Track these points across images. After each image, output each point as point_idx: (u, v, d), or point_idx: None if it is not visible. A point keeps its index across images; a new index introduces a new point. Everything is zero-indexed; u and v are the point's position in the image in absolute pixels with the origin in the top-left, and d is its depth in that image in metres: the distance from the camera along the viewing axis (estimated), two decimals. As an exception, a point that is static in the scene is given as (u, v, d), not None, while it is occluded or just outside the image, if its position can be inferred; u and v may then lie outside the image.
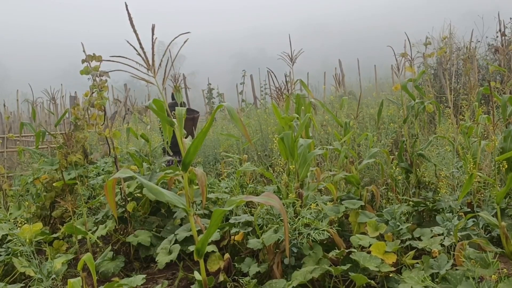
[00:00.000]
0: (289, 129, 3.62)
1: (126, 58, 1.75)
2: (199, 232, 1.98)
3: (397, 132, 6.62)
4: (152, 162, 5.19)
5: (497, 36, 7.58)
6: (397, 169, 4.70)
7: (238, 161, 5.77)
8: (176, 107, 4.31)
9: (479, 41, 9.80)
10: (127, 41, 1.67)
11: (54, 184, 5.18)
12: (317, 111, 7.53)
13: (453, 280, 2.62)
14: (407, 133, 5.14)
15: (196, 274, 2.74)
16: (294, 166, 3.50)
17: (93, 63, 5.06)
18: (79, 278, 2.35)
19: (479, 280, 2.54)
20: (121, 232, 4.53)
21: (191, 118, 7.44)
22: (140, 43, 1.71)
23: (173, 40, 1.86)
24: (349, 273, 2.94)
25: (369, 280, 2.87)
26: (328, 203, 3.72)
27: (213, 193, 4.84)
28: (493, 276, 2.26)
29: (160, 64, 1.77)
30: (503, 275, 2.49)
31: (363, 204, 4.11)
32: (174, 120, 1.86)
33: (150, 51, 1.94)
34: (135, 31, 1.70)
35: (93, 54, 4.76)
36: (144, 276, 3.11)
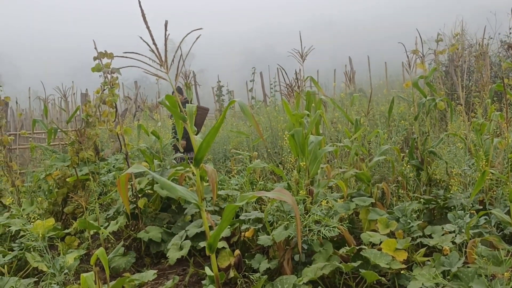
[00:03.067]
0: (300, 126, 3.62)
1: (139, 54, 1.76)
2: (211, 227, 2.00)
3: (408, 130, 6.59)
4: (162, 159, 5.22)
5: (510, 33, 7.50)
6: (408, 166, 4.68)
7: (248, 158, 5.79)
8: (187, 104, 4.34)
9: (491, 38, 9.70)
10: (141, 37, 1.69)
11: (67, 180, 5.23)
12: (327, 108, 7.52)
13: (465, 278, 2.60)
14: (418, 131, 5.11)
15: (207, 270, 2.76)
16: (304, 163, 3.50)
17: (105, 60, 5.11)
18: (92, 272, 2.38)
19: (491, 278, 2.52)
20: (132, 228, 4.57)
21: (200, 114, 7.48)
22: (153, 39, 1.72)
23: (185, 36, 1.87)
24: (360, 270, 2.94)
25: (379, 277, 2.86)
26: (338, 200, 3.71)
27: (223, 190, 4.86)
28: (505, 273, 2.24)
29: (173, 60, 1.78)
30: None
31: (373, 201, 4.10)
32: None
33: (162, 48, 1.96)
34: (147, 27, 1.71)
35: (105, 51, 4.80)
36: (155, 271, 3.13)
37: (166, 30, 1.74)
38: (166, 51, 1.77)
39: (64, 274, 3.47)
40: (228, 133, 7.75)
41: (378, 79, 14.57)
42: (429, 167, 4.81)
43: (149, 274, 3.06)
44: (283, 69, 3.64)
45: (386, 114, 6.09)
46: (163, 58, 1.77)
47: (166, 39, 1.76)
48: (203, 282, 3.06)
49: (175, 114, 1.82)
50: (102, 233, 3.34)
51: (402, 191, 4.56)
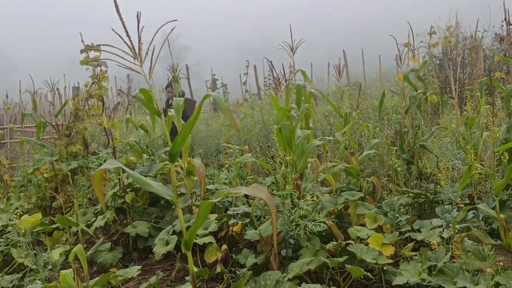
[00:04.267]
0: (287, 120, 3.58)
1: (114, 47, 1.71)
2: (188, 225, 1.95)
3: (400, 123, 6.55)
4: (152, 153, 5.17)
5: (502, 25, 7.46)
6: (398, 160, 4.65)
7: (239, 152, 5.75)
8: (174, 98, 4.28)
9: (486, 31, 9.66)
10: (112, 29, 1.64)
11: (45, 175, 5.16)
12: (318, 101, 7.47)
13: (450, 273, 2.58)
14: (410, 124, 5.07)
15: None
16: (291, 157, 3.46)
17: (93, 54, 5.05)
18: (71, 269, 2.34)
19: (476, 273, 2.50)
20: (120, 223, 4.53)
21: (187, 106, 7.42)
22: (126, 31, 1.67)
23: (161, 27, 1.81)
24: (346, 265, 2.91)
25: (365, 273, 2.83)
26: (327, 194, 3.68)
27: (213, 184, 4.83)
28: (488, 269, 2.21)
29: (146, 53, 1.73)
30: (500, 267, 2.45)
31: (362, 195, 4.07)
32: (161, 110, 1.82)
33: (147, 41, 1.90)
34: (121, 19, 1.66)
35: (92, 44, 4.74)
36: (139, 267, 3.09)
37: (139, 22, 1.69)
38: (140, 43, 1.72)
39: (49, 269, 3.43)
40: (221, 126, 7.71)
41: (373, 73, 14.51)
42: (420, 161, 4.79)
43: (133, 270, 3.02)
44: (271, 62, 3.59)
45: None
46: (137, 51, 1.72)
47: (140, 32, 1.71)
48: (186, 278, 3.03)
49: (150, 109, 1.77)
50: (82, 229, 3.29)
51: (392, 185, 4.53)
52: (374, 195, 4.55)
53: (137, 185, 4.67)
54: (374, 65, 15.88)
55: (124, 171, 4.66)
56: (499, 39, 7.51)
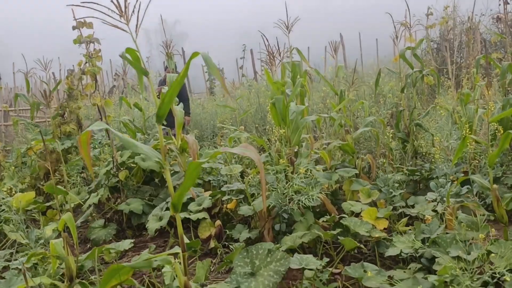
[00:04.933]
0: (282, 95, 3.54)
1: (99, 4, 1.67)
2: (175, 188, 1.93)
3: (396, 105, 6.52)
4: (146, 133, 5.14)
5: (500, 4, 7.41)
6: (393, 139, 4.63)
7: (235, 132, 5.71)
8: (167, 74, 4.24)
9: (483, 15, 9.60)
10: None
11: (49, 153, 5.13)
12: (313, 80, 7.43)
13: (443, 243, 2.57)
14: (406, 105, 5.04)
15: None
16: (285, 131, 3.43)
17: (86, 32, 4.98)
18: (61, 239, 2.32)
19: (469, 243, 2.49)
20: (114, 201, 4.51)
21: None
22: (111, -13, 1.63)
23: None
24: (339, 237, 2.89)
25: (358, 244, 2.82)
26: (320, 168, 3.66)
27: (208, 163, 4.80)
28: (480, 235, 2.20)
29: (133, 11, 1.68)
30: (493, 238, 2.44)
31: (357, 172, 4.06)
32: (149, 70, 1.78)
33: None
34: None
35: (84, 20, 4.67)
36: (132, 240, 3.08)
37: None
38: (126, 1, 1.68)
39: (41, 245, 3.42)
40: (216, 108, 7.66)
41: (370, 58, 14.47)
42: (415, 140, 4.76)
43: (126, 243, 3.01)
44: (264, 35, 3.54)
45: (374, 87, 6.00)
46: (123, 9, 1.68)
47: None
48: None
49: (137, 69, 1.73)
50: (70, 198, 3.26)
51: (387, 164, 4.52)
52: (370, 174, 4.54)
53: (131, 164, 4.65)
54: (372, 56, 15.80)
55: (118, 150, 4.64)
56: (496, 18, 7.46)
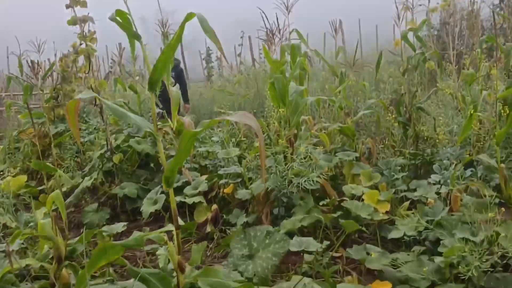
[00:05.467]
0: (281, 74, 3.42)
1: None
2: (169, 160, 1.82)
3: (397, 91, 6.41)
4: (141, 115, 5.01)
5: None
6: (395, 123, 4.52)
7: (232, 118, 5.59)
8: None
9: (483, 1, 9.45)
10: None
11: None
12: (313, 63, 7.30)
13: (448, 226, 2.47)
14: (407, 87, 4.93)
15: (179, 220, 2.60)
16: (284, 111, 3.32)
17: (81, 12, 4.83)
18: (49, 219, 2.21)
19: (475, 225, 2.39)
20: (109, 185, 4.40)
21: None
22: None
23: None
24: (339, 220, 2.79)
25: (360, 227, 2.72)
26: (321, 149, 3.56)
27: (205, 146, 4.70)
28: (490, 214, 2.10)
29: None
30: (500, 220, 2.35)
31: (357, 156, 3.95)
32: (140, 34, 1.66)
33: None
34: None
35: (78, -1, 4.51)
36: (125, 223, 2.98)
37: None
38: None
39: (31, 228, 3.31)
40: (214, 93, 7.54)
41: (370, 46, 14.29)
42: (416, 124, 4.66)
43: (119, 226, 2.91)
44: (263, 12, 3.41)
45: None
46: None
47: None
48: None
49: (128, 32, 1.62)
50: (60, 175, 3.15)
51: (388, 149, 4.42)
52: (370, 160, 4.44)
53: (126, 148, 4.53)
54: (372, 44, 15.58)
55: (112, 133, 4.52)
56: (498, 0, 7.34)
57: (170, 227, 1.72)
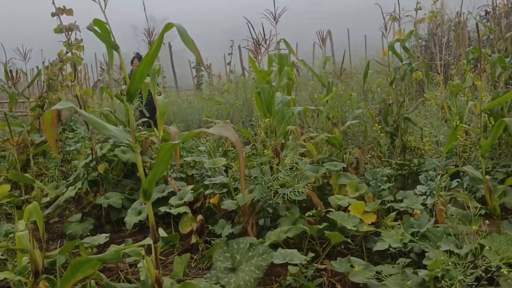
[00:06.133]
0: (267, 84, 3.40)
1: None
2: (146, 172, 1.78)
3: (385, 100, 6.44)
4: (127, 124, 4.96)
5: (487, -2, 7.39)
6: (382, 133, 4.52)
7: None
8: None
9: (470, 13, 9.56)
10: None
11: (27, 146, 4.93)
12: (300, 72, 7.31)
13: (433, 237, 2.46)
14: (395, 98, 4.94)
15: (161, 231, 2.56)
16: (269, 120, 3.30)
17: (67, 20, 4.79)
18: (26, 231, 2.16)
19: (460, 236, 2.38)
20: (93, 195, 4.34)
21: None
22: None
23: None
24: (325, 231, 2.76)
25: (345, 239, 2.70)
26: (307, 159, 3.54)
27: (191, 156, 4.66)
28: (474, 227, 2.09)
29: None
30: (486, 232, 2.33)
31: (345, 166, 3.94)
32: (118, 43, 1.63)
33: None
34: None
35: (64, 6, 4.48)
36: (108, 235, 2.93)
37: None
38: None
39: (12, 239, 3.24)
40: (203, 103, 7.51)
41: (359, 56, 14.39)
42: (404, 134, 4.67)
43: (101, 237, 2.85)
44: (248, 21, 3.40)
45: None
46: (91, -24, 1.53)
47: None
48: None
49: (106, 42, 1.58)
50: (38, 187, 3.09)
51: (376, 159, 4.41)
52: (358, 169, 4.43)
53: (112, 157, 4.48)
54: (361, 54, 15.70)
55: (98, 142, 4.47)
56: (484, 12, 7.41)
57: (148, 240, 1.68)
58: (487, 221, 2.30)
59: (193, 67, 13.91)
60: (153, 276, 1.66)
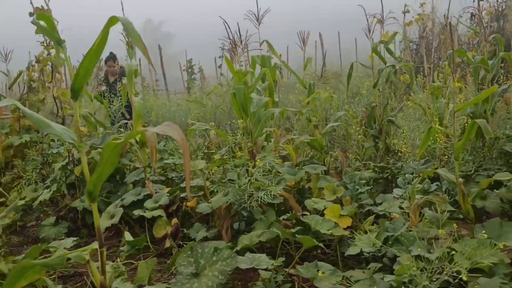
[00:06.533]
0: (244, 85, 3.34)
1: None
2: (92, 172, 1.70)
3: (372, 103, 6.38)
4: (107, 127, 4.89)
5: (474, 0, 7.39)
6: (365, 136, 4.47)
7: (205, 130, 5.49)
8: (127, 63, 4.00)
9: (461, 16, 9.55)
10: None
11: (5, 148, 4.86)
12: (283, 74, 7.25)
13: (406, 242, 2.39)
14: (381, 102, 4.88)
15: (127, 235, 2.49)
16: (242, 121, 3.23)
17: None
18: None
19: (432, 240, 2.31)
20: (71, 198, 4.26)
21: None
22: None
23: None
24: (297, 235, 2.69)
25: (317, 243, 2.62)
26: (282, 162, 3.47)
27: (172, 158, 4.58)
28: (441, 231, 2.02)
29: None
30: (458, 236, 2.27)
31: (325, 169, 3.87)
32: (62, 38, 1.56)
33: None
34: None
35: (42, 6, 4.40)
36: (75, 238, 2.85)
37: None
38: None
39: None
40: (190, 105, 7.44)
41: (349, 61, 14.34)
42: (387, 137, 4.61)
43: (68, 242, 2.77)
44: (225, 21, 3.34)
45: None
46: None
47: None
48: (121, 248, 2.79)
49: (52, 38, 1.52)
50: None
51: (358, 161, 4.35)
52: (341, 173, 4.36)
53: (89, 159, 4.40)
54: (350, 59, 15.66)
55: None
56: (470, 15, 7.41)
57: (95, 244, 1.60)
58: (455, 225, 2.23)
59: (183, 70, 13.83)
60: (98, 282, 1.59)
